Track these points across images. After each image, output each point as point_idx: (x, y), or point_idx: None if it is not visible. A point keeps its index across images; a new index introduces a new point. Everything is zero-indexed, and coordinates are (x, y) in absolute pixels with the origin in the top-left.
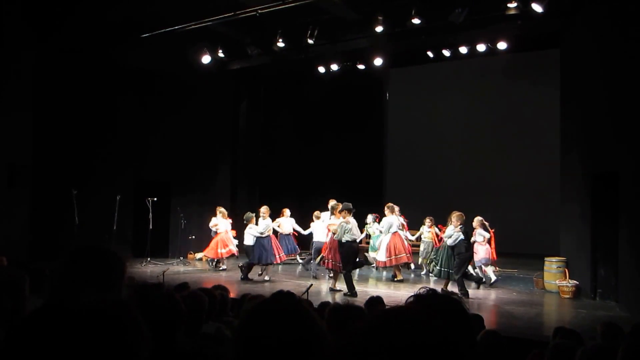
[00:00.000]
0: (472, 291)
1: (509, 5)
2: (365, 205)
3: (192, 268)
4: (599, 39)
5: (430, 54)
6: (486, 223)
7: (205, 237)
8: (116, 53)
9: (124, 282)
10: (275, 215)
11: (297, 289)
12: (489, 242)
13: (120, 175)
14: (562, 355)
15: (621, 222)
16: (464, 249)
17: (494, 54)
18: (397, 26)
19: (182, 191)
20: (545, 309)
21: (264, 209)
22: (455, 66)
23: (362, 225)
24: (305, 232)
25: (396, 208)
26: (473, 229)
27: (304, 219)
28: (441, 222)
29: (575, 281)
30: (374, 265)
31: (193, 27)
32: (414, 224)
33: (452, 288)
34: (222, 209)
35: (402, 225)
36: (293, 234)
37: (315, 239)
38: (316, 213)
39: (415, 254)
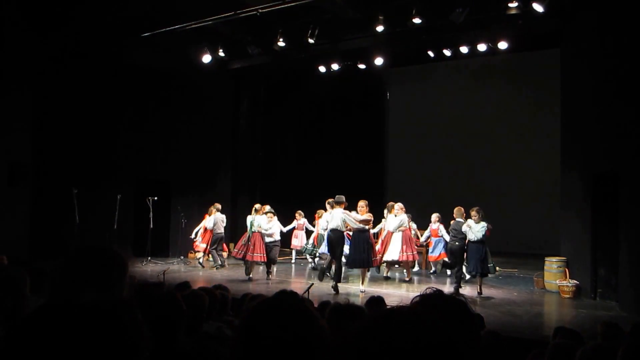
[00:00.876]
0: (472, 291)
1: (510, 5)
2: None
3: (191, 267)
4: (599, 39)
5: (430, 53)
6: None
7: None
8: (116, 52)
9: (126, 280)
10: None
11: (297, 287)
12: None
13: (120, 174)
14: (562, 355)
15: (621, 222)
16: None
17: (495, 54)
18: (398, 26)
19: (183, 190)
20: (546, 308)
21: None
22: (456, 66)
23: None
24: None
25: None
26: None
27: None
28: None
29: (575, 281)
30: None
31: (193, 26)
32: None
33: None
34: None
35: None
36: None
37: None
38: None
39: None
